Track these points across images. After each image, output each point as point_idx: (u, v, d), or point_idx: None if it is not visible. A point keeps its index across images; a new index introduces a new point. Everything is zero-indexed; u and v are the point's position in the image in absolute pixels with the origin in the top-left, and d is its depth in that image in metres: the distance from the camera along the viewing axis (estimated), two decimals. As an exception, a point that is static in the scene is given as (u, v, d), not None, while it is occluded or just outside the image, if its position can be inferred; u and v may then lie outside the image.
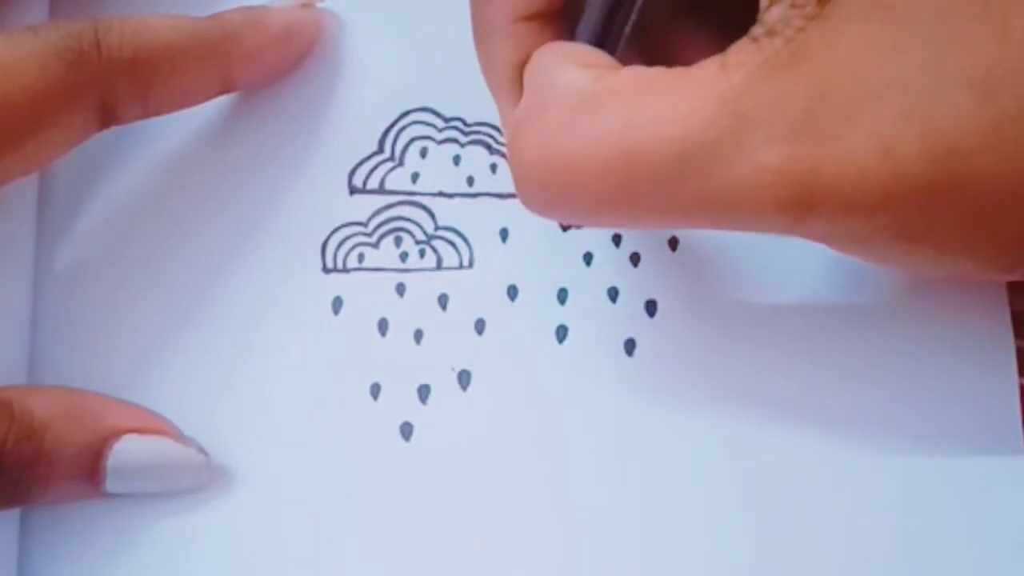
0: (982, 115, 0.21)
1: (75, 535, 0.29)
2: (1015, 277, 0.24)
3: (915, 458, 0.28)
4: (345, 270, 0.31)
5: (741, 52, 0.22)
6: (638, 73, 0.24)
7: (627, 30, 0.26)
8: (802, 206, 0.22)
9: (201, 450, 0.29)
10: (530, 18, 0.26)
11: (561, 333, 0.30)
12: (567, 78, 0.24)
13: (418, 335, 0.30)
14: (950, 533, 0.28)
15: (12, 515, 0.29)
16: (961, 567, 0.27)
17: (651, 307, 0.30)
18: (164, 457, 0.29)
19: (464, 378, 0.30)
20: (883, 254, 0.24)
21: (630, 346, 0.30)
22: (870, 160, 0.21)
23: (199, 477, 0.29)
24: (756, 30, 0.22)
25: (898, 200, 0.21)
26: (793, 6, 0.22)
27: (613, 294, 0.30)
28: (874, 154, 0.21)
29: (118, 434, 0.28)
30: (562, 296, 0.30)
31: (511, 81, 0.27)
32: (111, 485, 0.28)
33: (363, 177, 0.31)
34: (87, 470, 0.28)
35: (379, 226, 0.31)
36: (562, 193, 0.24)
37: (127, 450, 0.28)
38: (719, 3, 0.27)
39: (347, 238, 0.31)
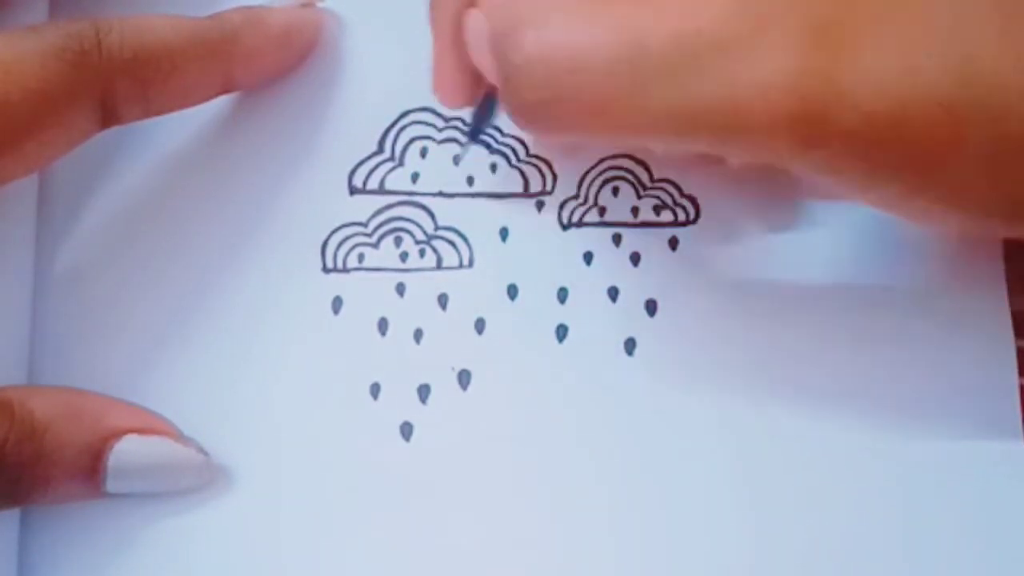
0: (1008, 36, 0.20)
1: (75, 535, 0.29)
2: (1011, 232, 0.23)
3: (915, 457, 0.28)
4: (345, 270, 0.31)
5: None
6: None
7: None
8: (814, 121, 0.21)
9: (201, 450, 0.29)
10: None
11: (561, 333, 0.30)
12: None
13: (418, 335, 0.30)
14: (950, 533, 0.28)
15: (12, 515, 0.29)
16: (961, 567, 0.27)
17: (651, 307, 0.30)
18: (164, 457, 0.29)
19: (464, 378, 0.30)
20: (892, 193, 0.23)
21: (630, 346, 0.30)
22: (888, 72, 0.20)
23: (199, 477, 0.29)
24: None
25: (917, 117, 0.21)
26: None
27: (613, 294, 0.30)
28: (894, 66, 0.20)
29: (118, 434, 0.28)
30: (562, 296, 0.30)
31: (454, 25, 0.27)
32: (111, 485, 0.28)
33: (363, 177, 0.31)
34: (87, 470, 0.28)
35: (379, 226, 0.31)
36: (563, 94, 0.23)
37: (127, 450, 0.28)
38: None
39: (347, 238, 0.31)
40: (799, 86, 0.21)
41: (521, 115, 0.24)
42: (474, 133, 0.30)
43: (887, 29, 0.21)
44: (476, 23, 0.25)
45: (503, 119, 0.28)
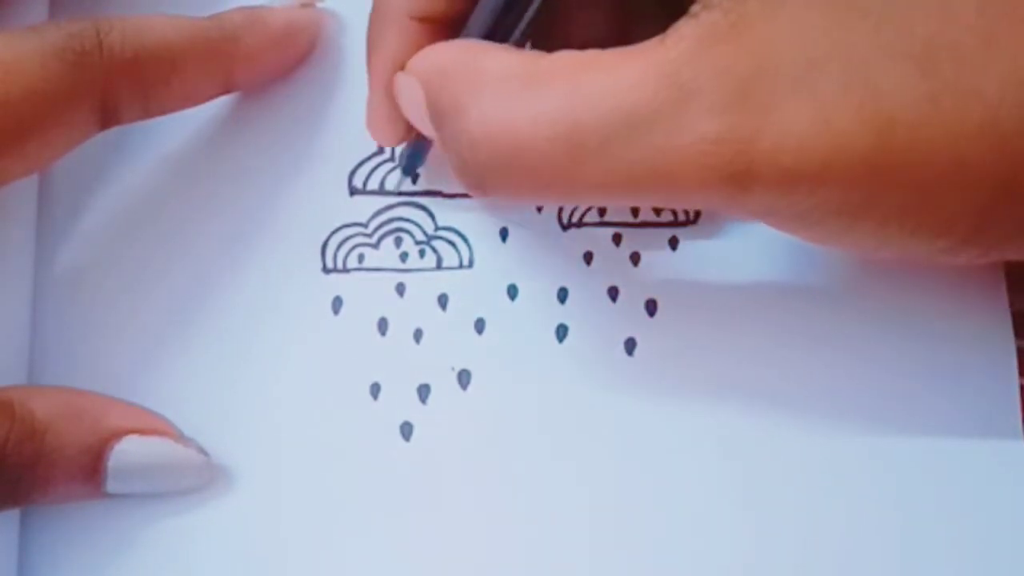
0: (921, 87, 0.21)
1: (75, 535, 0.29)
2: (958, 260, 0.24)
3: (916, 457, 0.28)
4: (345, 270, 0.31)
5: (681, 28, 0.23)
6: (575, 53, 0.24)
7: (518, 33, 0.27)
8: (741, 178, 0.22)
9: (201, 450, 0.29)
10: (424, 20, 0.27)
11: (561, 333, 0.30)
12: (499, 60, 0.25)
13: (418, 335, 0.30)
14: (950, 533, 0.28)
15: (12, 515, 0.29)
16: (961, 567, 0.27)
17: (651, 307, 0.30)
18: (164, 458, 0.29)
19: (464, 378, 0.30)
20: (825, 231, 0.24)
21: (630, 346, 0.30)
22: (809, 130, 0.21)
23: (199, 477, 0.29)
24: (695, 7, 0.23)
25: (838, 172, 0.21)
26: None
27: (613, 294, 0.30)
28: (813, 125, 0.21)
29: (119, 435, 0.28)
30: (562, 296, 0.30)
31: (389, 75, 0.28)
32: (111, 486, 0.28)
33: (363, 178, 0.31)
34: (88, 471, 0.28)
35: (379, 227, 0.31)
36: (508, 170, 0.24)
37: (127, 451, 0.28)
38: (628, 24, 0.28)
39: (347, 238, 0.31)
40: (723, 151, 0.22)
41: (468, 185, 0.25)
42: (408, 169, 0.31)
43: (806, 91, 0.21)
44: (410, 91, 0.27)
45: None
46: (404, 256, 0.31)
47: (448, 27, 0.28)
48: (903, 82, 0.21)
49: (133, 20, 0.28)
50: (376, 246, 0.31)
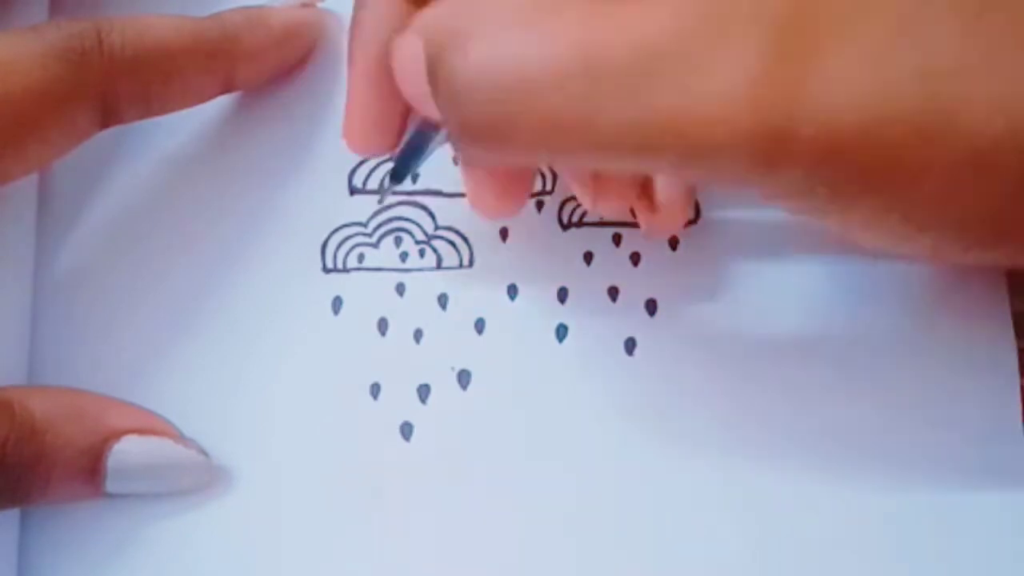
0: (976, 40, 0.19)
1: (75, 535, 0.29)
2: (985, 259, 0.22)
3: (915, 458, 0.28)
4: (345, 270, 0.31)
5: None
6: None
7: None
8: (778, 136, 0.20)
9: (201, 451, 0.29)
10: None
11: (561, 332, 0.30)
12: None
13: (418, 335, 0.30)
14: (950, 533, 0.28)
15: (12, 515, 0.29)
16: (961, 567, 0.27)
17: (651, 307, 0.30)
18: (164, 458, 0.29)
19: (464, 378, 0.30)
20: (857, 216, 0.22)
21: (630, 345, 0.30)
22: (857, 83, 0.19)
23: (199, 478, 0.29)
24: None
25: (884, 135, 0.19)
26: None
27: (613, 294, 0.30)
28: (862, 77, 0.19)
29: (118, 435, 0.28)
30: (562, 295, 0.30)
31: (375, 59, 0.26)
32: (111, 486, 0.28)
33: (363, 177, 0.31)
34: (87, 471, 0.28)
35: (379, 226, 0.31)
36: (512, 112, 0.21)
37: (127, 451, 0.28)
38: None
39: (347, 238, 0.31)
40: (760, 99, 0.20)
41: (466, 135, 0.22)
42: (399, 174, 0.27)
43: (852, 37, 0.20)
44: (409, 47, 0.23)
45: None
46: (404, 256, 0.31)
47: None
48: (957, 32, 0.19)
49: (133, 20, 0.28)
50: (376, 246, 0.31)
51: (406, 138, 0.28)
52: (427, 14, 0.23)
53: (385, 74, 0.25)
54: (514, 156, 0.24)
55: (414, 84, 0.24)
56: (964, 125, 0.19)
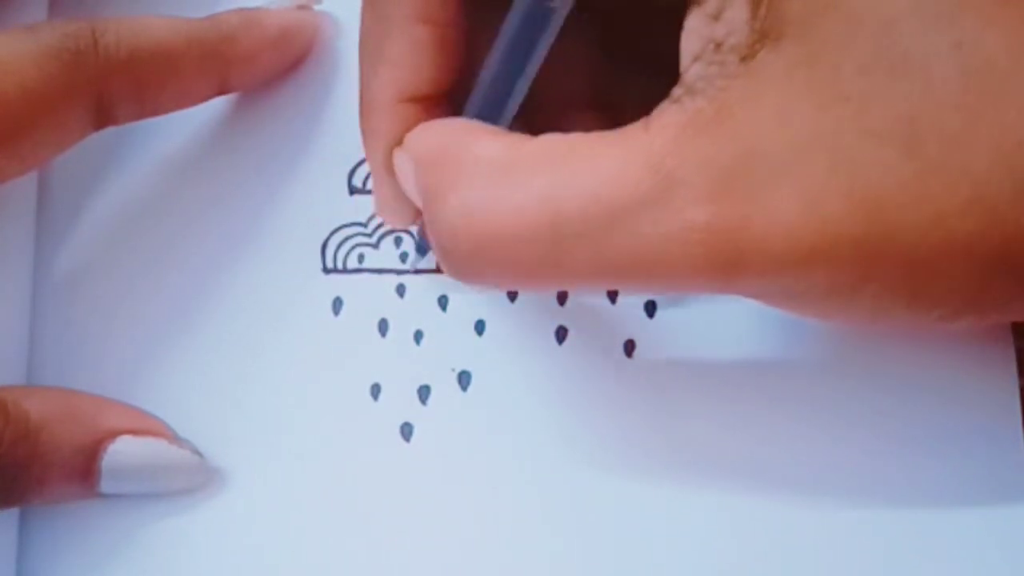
0: (907, 168, 0.21)
1: (74, 535, 0.30)
2: (956, 326, 0.23)
3: (915, 459, 0.28)
4: (345, 270, 0.31)
5: (664, 114, 0.22)
6: (558, 138, 0.23)
7: (514, 110, 0.26)
8: (731, 264, 0.22)
9: (195, 452, 0.29)
10: (414, 100, 0.26)
11: (561, 334, 0.30)
12: (481, 145, 0.24)
13: (418, 336, 0.30)
14: (950, 533, 0.27)
15: (11, 515, 0.29)
16: (961, 567, 0.27)
17: (651, 307, 0.30)
18: (158, 458, 0.29)
19: (464, 379, 0.30)
20: (819, 309, 0.24)
21: (630, 347, 0.29)
22: (797, 216, 0.21)
23: (193, 479, 0.29)
24: (677, 91, 0.22)
25: (828, 256, 0.21)
26: (713, 64, 0.22)
27: (613, 295, 0.30)
28: (801, 210, 0.21)
29: (113, 435, 0.28)
30: (561, 297, 0.30)
31: (388, 158, 0.27)
32: (106, 486, 0.28)
33: (363, 177, 0.31)
34: (82, 471, 0.28)
35: (379, 226, 0.31)
36: (490, 260, 0.24)
37: (122, 451, 0.28)
38: (611, 87, 0.28)
39: (347, 238, 0.31)
40: (711, 239, 0.21)
41: (450, 270, 0.25)
42: (423, 248, 0.30)
43: (792, 177, 0.21)
44: (403, 166, 0.26)
45: None
46: (404, 256, 0.31)
47: (440, 103, 0.27)
48: (889, 164, 0.21)
49: (129, 21, 0.28)
50: (376, 246, 0.31)
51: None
52: (417, 143, 0.26)
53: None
54: (493, 287, 0.29)
55: (412, 195, 0.26)
56: (903, 241, 0.21)
